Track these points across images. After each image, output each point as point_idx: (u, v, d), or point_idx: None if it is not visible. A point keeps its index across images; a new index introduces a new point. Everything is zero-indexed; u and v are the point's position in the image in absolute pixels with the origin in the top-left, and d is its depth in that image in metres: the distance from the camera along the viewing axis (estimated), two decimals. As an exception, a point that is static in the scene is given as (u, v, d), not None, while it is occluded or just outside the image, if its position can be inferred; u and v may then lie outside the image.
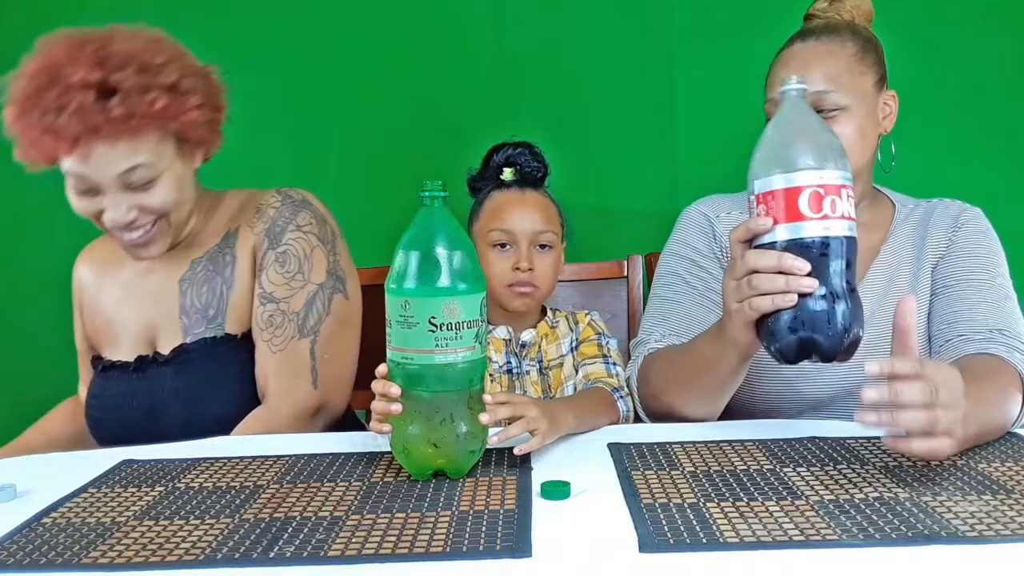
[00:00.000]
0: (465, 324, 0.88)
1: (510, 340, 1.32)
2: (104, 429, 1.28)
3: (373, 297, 1.39)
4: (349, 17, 1.85)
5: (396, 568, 0.67)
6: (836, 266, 0.86)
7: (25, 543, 0.74)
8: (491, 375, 1.30)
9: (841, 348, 0.87)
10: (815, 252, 0.86)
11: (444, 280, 0.88)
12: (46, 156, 1.14)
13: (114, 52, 1.13)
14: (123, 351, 1.28)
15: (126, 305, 1.30)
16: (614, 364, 1.27)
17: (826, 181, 0.85)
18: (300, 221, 1.27)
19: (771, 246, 0.88)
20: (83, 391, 1.39)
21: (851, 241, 0.86)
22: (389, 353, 0.91)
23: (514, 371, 1.31)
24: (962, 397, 0.82)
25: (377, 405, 0.92)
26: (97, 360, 1.32)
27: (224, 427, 1.17)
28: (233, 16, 1.81)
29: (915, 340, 0.85)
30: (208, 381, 1.21)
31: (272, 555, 0.70)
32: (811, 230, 0.85)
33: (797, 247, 0.86)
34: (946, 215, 1.23)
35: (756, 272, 0.88)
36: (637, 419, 1.26)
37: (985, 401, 0.95)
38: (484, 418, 0.91)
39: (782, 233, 0.87)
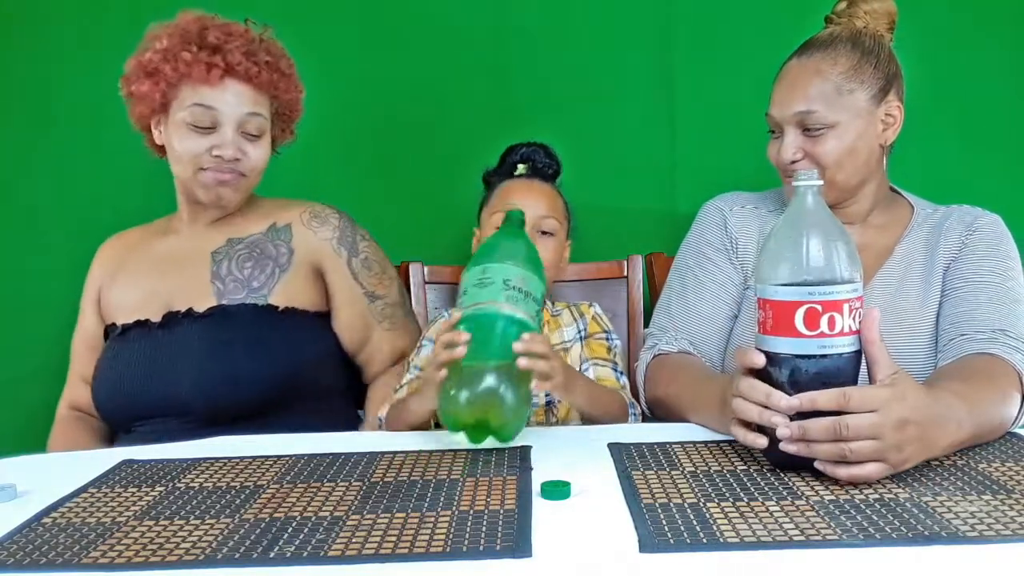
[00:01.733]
0: (531, 297, 1.02)
1: None
2: (117, 390, 1.30)
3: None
4: (354, 23, 1.84)
5: (396, 568, 0.67)
6: (845, 379, 0.84)
7: (25, 543, 0.74)
8: None
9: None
10: (805, 371, 0.84)
11: (523, 256, 1.04)
12: (189, 82, 1.28)
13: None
14: (143, 314, 1.33)
15: (146, 273, 1.38)
16: (622, 373, 1.30)
17: (827, 297, 0.83)
18: (362, 233, 1.44)
19: (767, 354, 0.86)
20: (61, 408, 1.42)
21: (850, 357, 0.84)
22: (458, 313, 1.02)
23: None
24: (912, 420, 0.82)
25: (441, 353, 1.00)
26: (112, 327, 1.37)
27: (254, 391, 1.25)
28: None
29: (878, 350, 0.85)
30: (245, 341, 1.28)
31: (272, 555, 0.70)
32: (803, 348, 0.84)
33: (784, 363, 0.85)
34: (961, 220, 1.24)
35: (738, 397, 0.88)
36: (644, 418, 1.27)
37: (981, 403, 0.95)
38: (518, 346, 0.98)
39: (774, 345, 0.86)
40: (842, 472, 0.82)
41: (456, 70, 1.84)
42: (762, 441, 0.87)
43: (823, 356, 0.84)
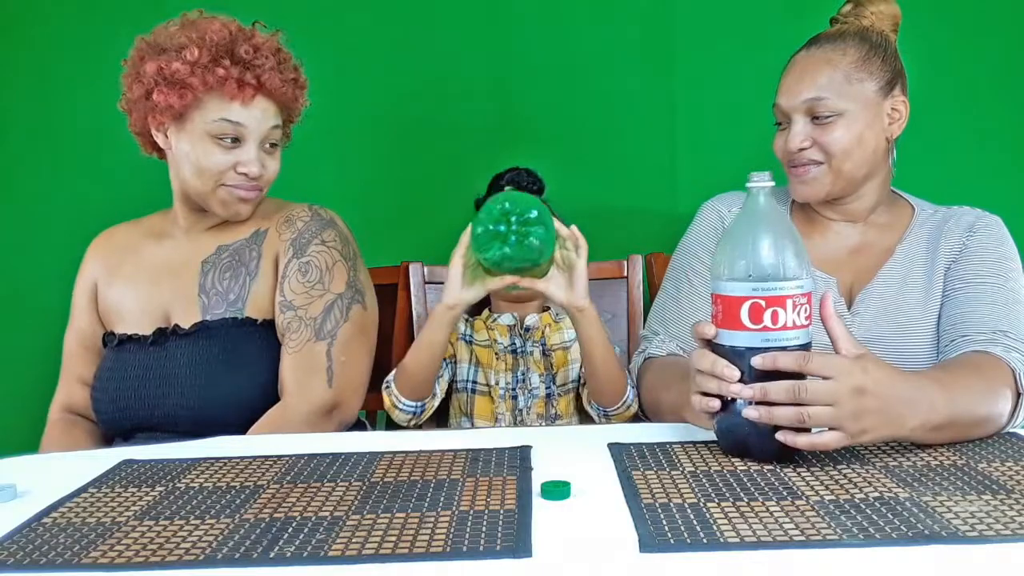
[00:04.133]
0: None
1: (515, 325, 1.43)
2: (114, 402, 1.29)
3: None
4: (360, 25, 1.85)
5: (396, 568, 0.67)
6: (774, 376, 0.87)
7: (25, 543, 0.74)
8: (497, 354, 1.41)
9: (771, 456, 0.90)
10: (751, 363, 0.88)
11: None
12: (216, 96, 1.25)
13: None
14: (138, 325, 1.32)
15: (144, 281, 1.35)
16: (623, 367, 1.32)
17: (770, 292, 0.87)
18: (325, 237, 1.33)
19: (719, 347, 0.91)
20: (54, 411, 1.40)
21: (795, 351, 0.87)
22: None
23: (518, 351, 1.41)
24: (871, 391, 0.85)
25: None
26: (110, 336, 1.35)
27: (237, 406, 1.23)
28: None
29: (836, 325, 0.90)
30: (226, 356, 1.25)
31: (272, 555, 0.70)
32: (748, 341, 0.88)
33: (734, 354, 0.89)
34: (962, 221, 1.24)
35: (698, 371, 0.92)
36: (636, 418, 1.27)
37: (962, 391, 0.95)
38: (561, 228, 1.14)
39: (723, 338, 0.90)
40: (802, 440, 0.86)
41: (458, 71, 1.84)
42: (714, 403, 0.91)
43: (767, 349, 0.87)
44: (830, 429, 0.86)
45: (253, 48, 1.27)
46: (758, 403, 0.87)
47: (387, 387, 1.27)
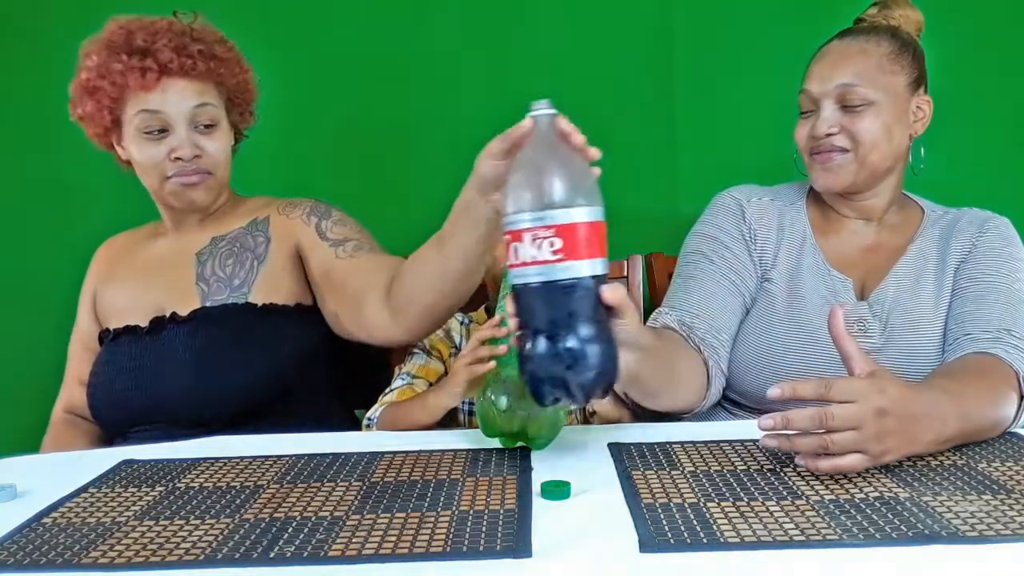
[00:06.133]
0: None
1: None
2: (109, 395, 1.29)
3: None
4: (354, 20, 1.84)
5: (396, 568, 0.67)
6: (537, 312, 0.81)
7: (25, 543, 0.74)
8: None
9: (550, 393, 0.83)
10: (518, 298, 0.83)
11: None
12: (129, 92, 1.26)
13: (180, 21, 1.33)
14: (133, 318, 1.33)
15: (137, 278, 1.37)
16: None
17: (509, 227, 0.81)
18: (335, 211, 1.38)
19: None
20: (56, 412, 1.42)
21: (535, 289, 0.80)
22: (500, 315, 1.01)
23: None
24: (891, 411, 0.83)
25: (479, 349, 1.04)
26: (106, 332, 1.36)
27: (237, 392, 1.23)
28: (233, 27, 1.81)
29: (848, 344, 0.88)
30: (226, 342, 1.26)
31: (272, 555, 0.70)
32: (512, 276, 0.82)
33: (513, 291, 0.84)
34: (972, 222, 1.25)
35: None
36: (636, 417, 1.27)
37: (971, 400, 0.95)
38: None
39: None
40: (824, 464, 0.83)
41: (455, 68, 1.83)
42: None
43: (514, 285, 0.82)
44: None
45: (151, 35, 1.27)
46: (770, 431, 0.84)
47: (368, 425, 1.24)
